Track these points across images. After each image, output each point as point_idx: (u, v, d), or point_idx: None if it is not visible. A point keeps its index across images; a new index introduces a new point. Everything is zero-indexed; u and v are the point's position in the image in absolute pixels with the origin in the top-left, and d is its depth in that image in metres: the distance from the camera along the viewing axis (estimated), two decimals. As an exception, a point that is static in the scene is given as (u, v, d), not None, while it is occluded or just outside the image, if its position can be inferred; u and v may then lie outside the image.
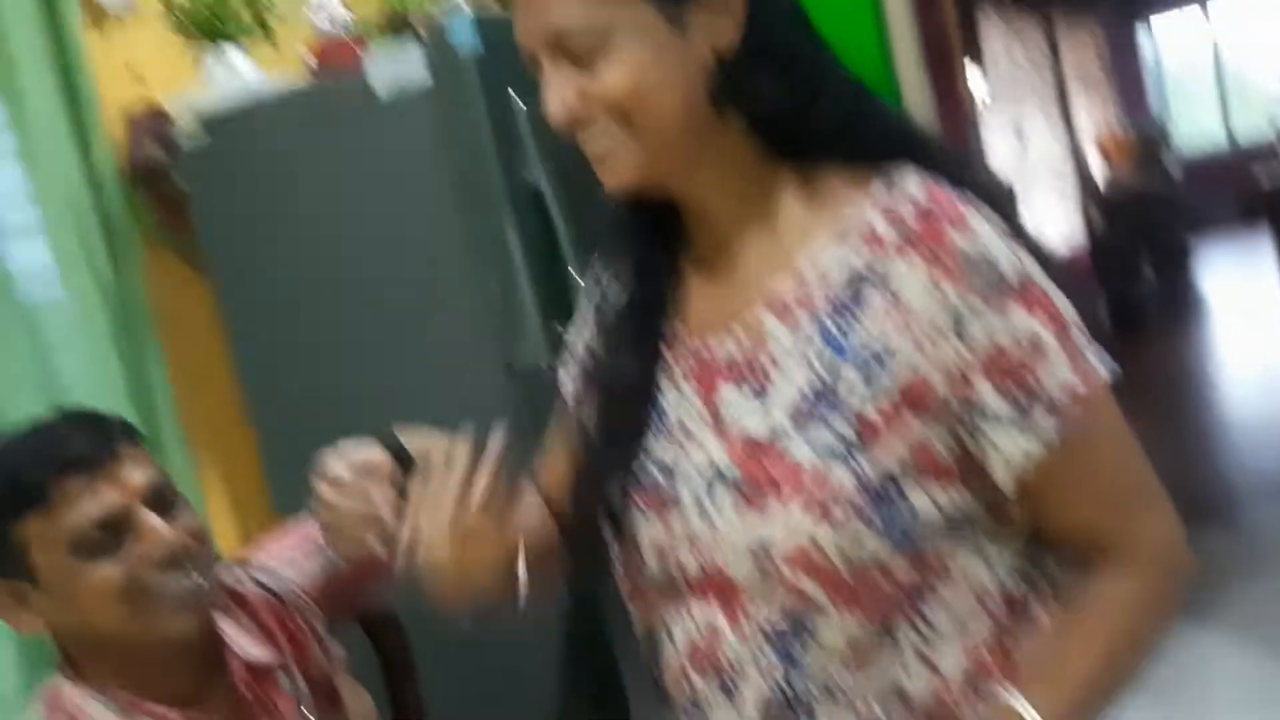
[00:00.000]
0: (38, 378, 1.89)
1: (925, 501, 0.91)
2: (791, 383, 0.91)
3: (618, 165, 0.91)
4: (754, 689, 0.96)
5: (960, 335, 0.87)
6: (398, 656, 1.66)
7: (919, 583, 0.92)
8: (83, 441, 1.20)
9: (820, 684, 0.94)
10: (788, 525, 0.89)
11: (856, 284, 0.90)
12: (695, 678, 0.99)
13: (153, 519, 1.19)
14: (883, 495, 0.89)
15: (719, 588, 0.95)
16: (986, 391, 0.88)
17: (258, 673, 1.30)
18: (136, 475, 1.20)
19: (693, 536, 0.94)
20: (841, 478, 0.89)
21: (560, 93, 0.88)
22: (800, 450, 0.90)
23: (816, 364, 0.91)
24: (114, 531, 1.17)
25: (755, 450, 0.91)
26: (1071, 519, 0.94)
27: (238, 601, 1.35)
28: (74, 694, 1.21)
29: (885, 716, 0.94)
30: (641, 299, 1.01)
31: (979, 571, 0.94)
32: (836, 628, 0.92)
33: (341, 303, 1.98)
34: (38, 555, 1.17)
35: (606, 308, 1.05)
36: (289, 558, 1.44)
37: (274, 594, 1.39)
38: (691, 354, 0.97)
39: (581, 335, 1.10)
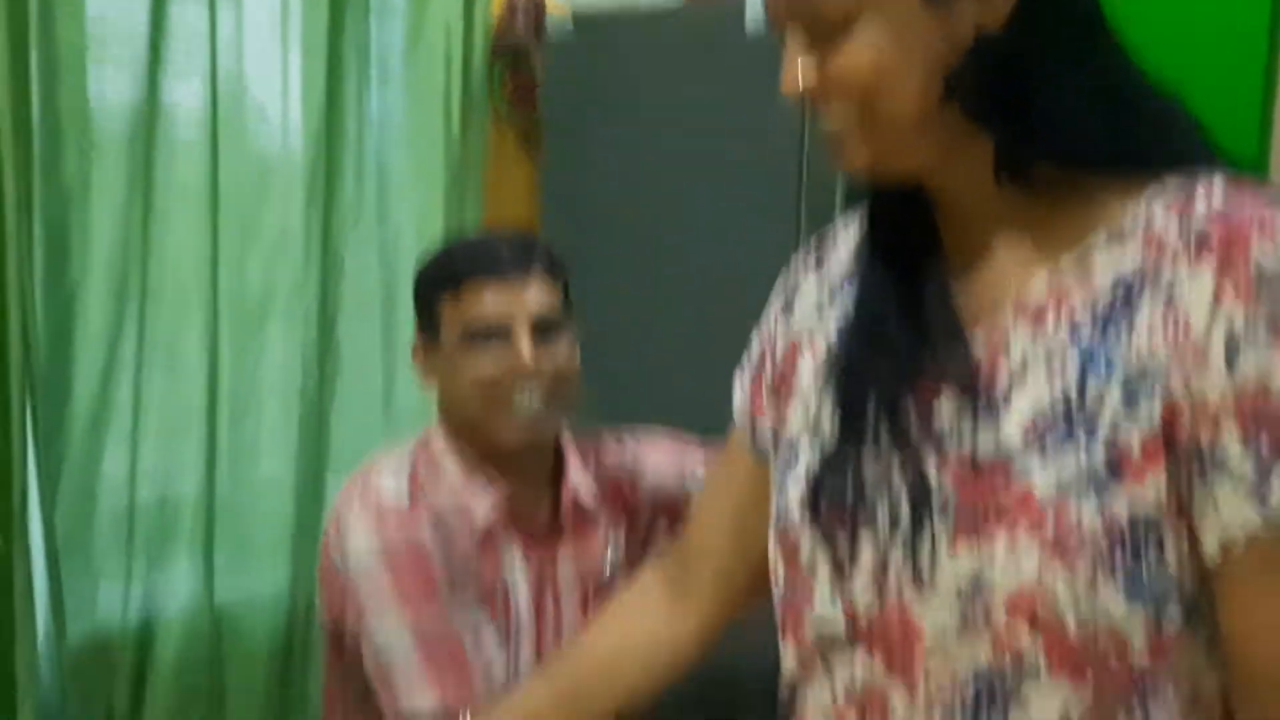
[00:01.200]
0: (374, 216, 2.07)
1: (1175, 560, 0.76)
2: (1032, 397, 0.79)
3: (850, 149, 0.83)
4: None
5: (1229, 366, 0.72)
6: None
7: (1148, 669, 0.78)
8: (505, 255, 1.39)
9: None
10: (1014, 562, 0.77)
11: (1128, 289, 0.78)
12: None
13: (524, 340, 1.36)
14: (1132, 543, 0.76)
15: (892, 638, 0.83)
16: (1232, 439, 0.73)
17: (582, 512, 1.46)
18: (532, 299, 1.38)
19: (879, 567, 0.83)
20: (1085, 514, 0.75)
21: (797, 66, 0.80)
22: (1036, 476, 0.77)
23: (1067, 377, 0.78)
24: (496, 335, 1.37)
25: (979, 473, 0.80)
26: (1242, 646, 0.76)
27: (597, 456, 1.52)
28: (439, 441, 1.43)
29: None
30: (893, 295, 0.88)
31: (1203, 674, 0.79)
32: (1048, 699, 0.78)
33: (653, 214, 2.05)
34: (444, 328, 1.40)
35: (846, 301, 0.94)
36: (663, 461, 1.57)
37: (631, 474, 1.54)
38: (918, 366, 0.86)
39: (775, 334, 1.01)
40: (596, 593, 1.46)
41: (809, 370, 0.95)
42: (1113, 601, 0.76)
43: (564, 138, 2.18)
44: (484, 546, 1.39)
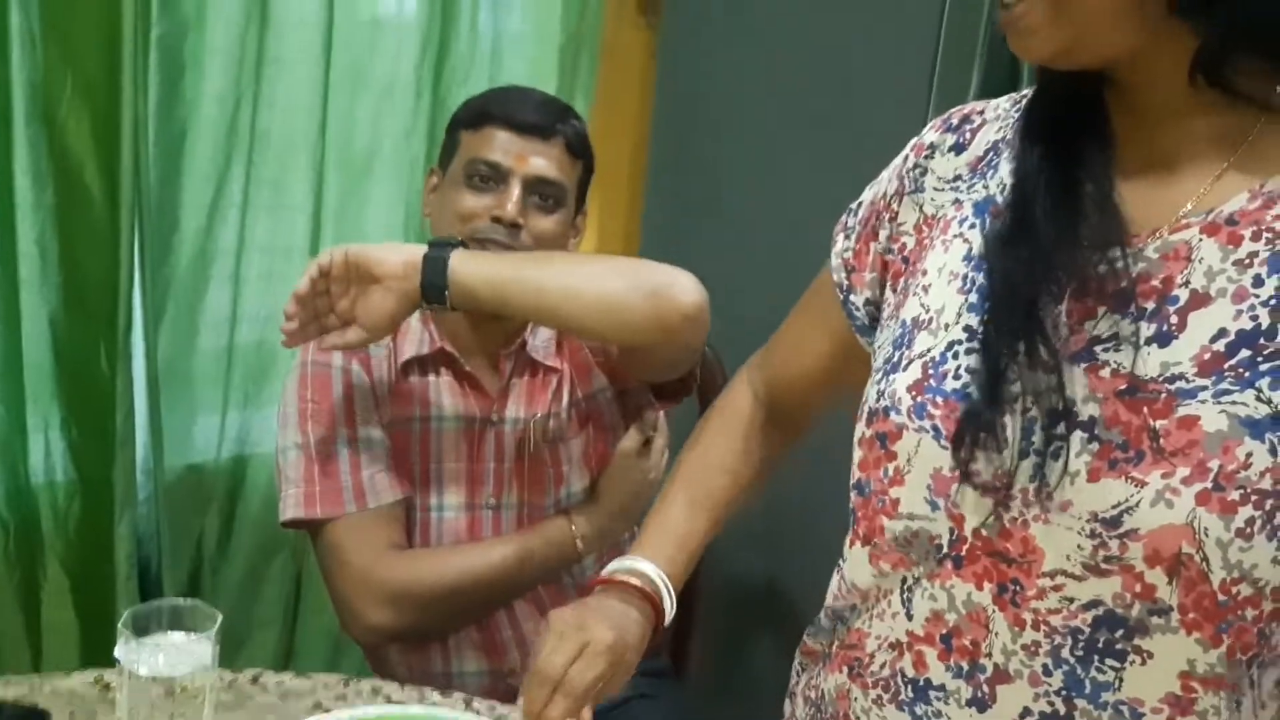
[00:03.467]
0: (485, 72, 2.00)
1: None
2: (1211, 322, 0.72)
3: (1039, 35, 0.74)
4: (1014, 700, 0.78)
5: None
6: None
7: (1269, 632, 0.72)
8: (529, 112, 1.42)
9: (1114, 715, 0.75)
10: (1164, 499, 0.70)
11: None
12: (932, 660, 0.81)
13: (515, 192, 1.39)
14: None
15: (1005, 558, 0.76)
16: None
17: (535, 364, 1.48)
18: (539, 164, 1.40)
19: (1001, 481, 0.75)
20: (1256, 457, 0.68)
21: None
22: (1204, 408, 0.70)
23: (1256, 304, 0.71)
24: (494, 180, 1.40)
25: (1136, 396, 0.72)
26: None
27: None
28: None
29: None
30: (1045, 185, 0.79)
31: None
32: (1174, 650, 0.73)
33: (774, 89, 1.97)
34: (455, 160, 1.44)
35: (990, 185, 0.86)
36: None
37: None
38: (1073, 266, 0.77)
39: (898, 202, 0.94)
40: (537, 441, 1.47)
41: (939, 252, 0.87)
42: (1264, 554, 0.69)
43: (685, 3, 2.09)
44: (405, 376, 1.44)
